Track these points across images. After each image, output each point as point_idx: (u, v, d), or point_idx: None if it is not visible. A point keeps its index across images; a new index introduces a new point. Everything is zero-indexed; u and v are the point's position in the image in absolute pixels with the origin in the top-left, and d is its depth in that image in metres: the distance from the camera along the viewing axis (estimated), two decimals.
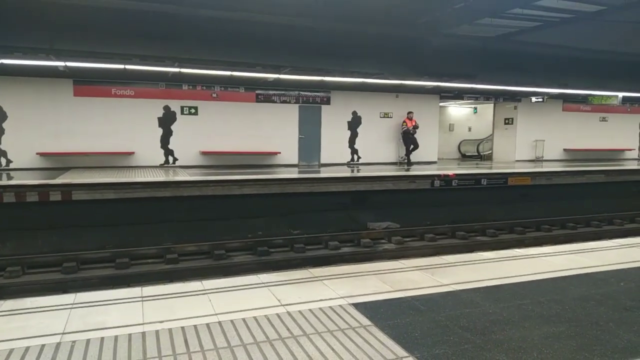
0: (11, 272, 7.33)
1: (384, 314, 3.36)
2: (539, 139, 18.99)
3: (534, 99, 17.92)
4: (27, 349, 2.78)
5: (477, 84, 14.58)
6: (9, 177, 10.71)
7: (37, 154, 12.62)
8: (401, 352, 2.79)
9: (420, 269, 4.48)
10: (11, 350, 2.75)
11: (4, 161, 12.51)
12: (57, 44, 10.21)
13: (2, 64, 10.18)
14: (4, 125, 12.41)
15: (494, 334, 3.08)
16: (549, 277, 4.31)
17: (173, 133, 13.87)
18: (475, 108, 21.23)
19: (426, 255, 7.92)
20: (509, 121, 18.92)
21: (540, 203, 13.32)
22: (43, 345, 2.82)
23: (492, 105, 19.26)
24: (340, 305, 3.52)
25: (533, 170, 14.39)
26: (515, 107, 18.66)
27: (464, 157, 20.79)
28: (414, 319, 3.30)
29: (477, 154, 20.67)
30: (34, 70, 11.61)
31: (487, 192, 13.17)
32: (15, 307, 3.43)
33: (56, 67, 10.80)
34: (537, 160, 18.90)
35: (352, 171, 13.60)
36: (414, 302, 3.62)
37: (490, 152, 19.66)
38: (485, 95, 17.99)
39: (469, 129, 21.32)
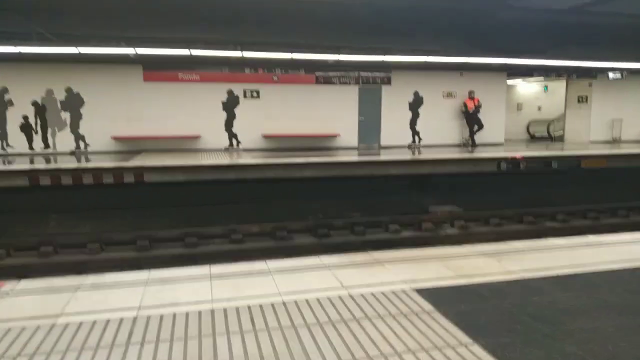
0: (91, 249, 7.87)
1: (448, 300, 3.31)
2: (616, 118, 17.69)
3: (611, 75, 16.64)
4: (107, 321, 2.99)
5: (547, 59, 13.74)
6: (87, 160, 11.45)
7: (111, 137, 13.37)
8: (465, 338, 2.74)
9: (486, 255, 4.36)
10: (94, 322, 2.98)
11: (82, 145, 13.36)
12: (128, 31, 10.71)
13: (79, 52, 10.79)
14: (82, 110, 13.21)
15: (564, 324, 2.95)
16: (627, 266, 4.05)
17: (236, 117, 14.20)
18: (546, 86, 20.07)
19: (491, 240, 7.68)
20: (582, 99, 17.75)
21: (617, 187, 12.47)
22: (122, 319, 3.02)
23: (564, 82, 18.12)
24: (402, 290, 3.50)
25: (609, 153, 13.47)
26: (590, 84, 17.44)
27: (533, 138, 19.79)
28: (479, 306, 3.22)
29: (547, 134, 19.58)
30: (107, 58, 12.23)
31: (558, 176, 12.50)
32: (97, 281, 3.69)
33: (127, 54, 11.32)
34: (614, 141, 17.64)
35: (413, 153, 13.36)
36: (478, 289, 3.54)
37: (561, 132, 18.57)
38: (557, 72, 16.94)
39: (539, 108, 20.18)
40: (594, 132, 17.70)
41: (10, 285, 3.60)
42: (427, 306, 3.21)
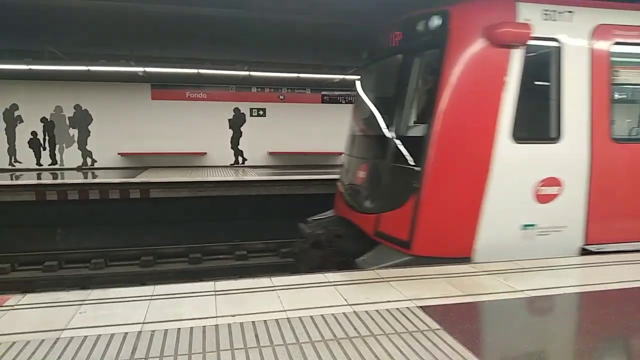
0: (95, 264, 7.89)
1: (454, 318, 3.28)
2: None
3: None
4: (112, 335, 2.98)
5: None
6: (94, 176, 11.53)
7: (118, 154, 13.47)
8: (472, 357, 2.71)
9: (491, 274, 4.32)
10: (99, 336, 2.97)
11: (89, 161, 13.46)
12: (137, 50, 10.89)
13: (88, 70, 10.96)
14: (90, 127, 13.36)
15: (574, 343, 2.92)
16: None
17: (242, 134, 14.29)
18: None
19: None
20: None
21: None
22: (126, 333, 3.01)
23: None
24: (407, 308, 3.47)
25: None
26: None
27: None
28: (486, 325, 3.20)
29: None
30: (115, 76, 12.41)
31: None
32: (101, 296, 3.69)
33: (135, 72, 11.48)
34: None
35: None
36: (485, 307, 3.51)
37: None
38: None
39: None
40: None
41: (15, 299, 3.61)
42: (433, 324, 3.18)
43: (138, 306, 3.48)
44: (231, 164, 14.26)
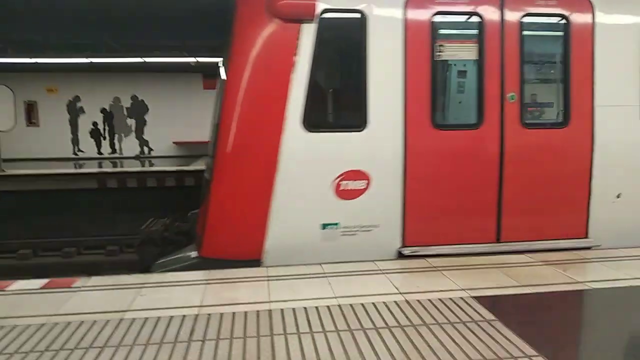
0: None
1: (510, 310, 3.19)
2: None
3: None
4: (171, 318, 3.11)
5: None
6: (151, 164, 12.00)
7: (172, 142, 13.93)
8: (529, 350, 2.63)
9: (550, 264, 4.16)
10: (159, 318, 3.10)
11: (146, 149, 14.02)
12: (188, 41, 11.16)
13: (144, 61, 11.35)
14: (146, 117, 13.88)
15: (637, 338, 2.77)
16: None
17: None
18: None
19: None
20: None
21: None
22: (184, 316, 3.13)
23: None
24: (461, 297, 3.41)
25: None
26: None
27: None
28: (544, 317, 3.08)
29: None
30: (169, 67, 12.79)
31: None
32: (160, 280, 3.85)
33: (188, 62, 11.78)
34: None
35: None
36: (543, 298, 3.38)
37: None
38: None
39: None
40: None
41: (81, 281, 3.83)
42: (488, 315, 3.11)
43: (195, 290, 3.60)
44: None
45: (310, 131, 4.26)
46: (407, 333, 2.86)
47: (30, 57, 11.23)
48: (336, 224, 4.39)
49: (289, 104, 4.21)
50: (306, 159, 4.28)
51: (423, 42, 4.37)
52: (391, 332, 2.88)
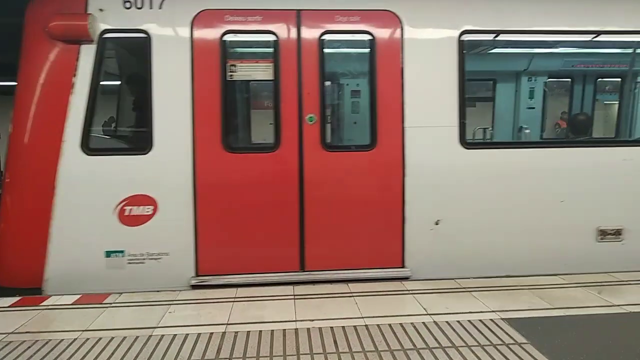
0: None
1: (542, 333, 3.10)
2: None
3: None
4: (198, 335, 3.14)
5: None
6: None
7: None
8: None
9: (583, 286, 4.03)
10: (186, 335, 3.13)
11: None
12: None
13: None
14: None
15: None
16: None
17: None
18: None
19: None
20: None
21: None
22: (211, 334, 3.15)
23: None
24: (491, 320, 3.33)
25: None
26: None
27: None
28: (578, 340, 2.98)
29: None
30: None
31: None
32: (188, 297, 3.89)
33: None
34: None
35: None
36: (577, 322, 3.28)
37: None
38: None
39: None
40: None
41: (112, 297, 3.90)
42: (519, 338, 3.03)
43: (222, 307, 3.63)
44: None
45: (90, 155, 4.11)
46: (435, 355, 2.81)
47: None
48: (122, 251, 4.19)
49: (67, 127, 4.07)
50: (86, 184, 4.11)
51: (212, 62, 4.21)
52: (419, 354, 2.83)
